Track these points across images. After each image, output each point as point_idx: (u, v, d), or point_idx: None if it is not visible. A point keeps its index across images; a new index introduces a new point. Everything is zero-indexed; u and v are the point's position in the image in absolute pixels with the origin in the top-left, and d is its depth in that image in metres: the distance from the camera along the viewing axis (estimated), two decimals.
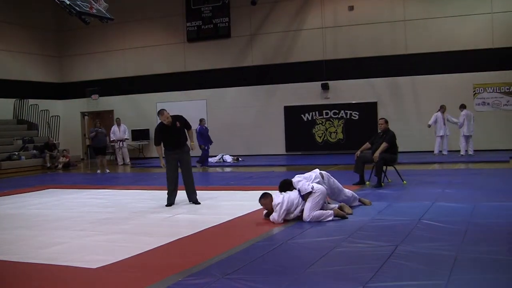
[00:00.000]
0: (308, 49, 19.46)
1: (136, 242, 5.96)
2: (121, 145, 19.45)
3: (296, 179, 6.98)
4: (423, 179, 10.74)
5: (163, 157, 8.71)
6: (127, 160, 19.56)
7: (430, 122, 16.30)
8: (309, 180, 7.00)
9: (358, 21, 18.81)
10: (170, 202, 8.63)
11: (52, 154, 19.34)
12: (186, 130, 8.78)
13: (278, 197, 6.74)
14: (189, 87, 21.20)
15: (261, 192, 7.13)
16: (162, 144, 8.65)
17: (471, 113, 15.91)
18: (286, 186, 6.98)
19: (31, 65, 22.31)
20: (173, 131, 8.56)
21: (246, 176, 13.24)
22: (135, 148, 22.20)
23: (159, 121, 8.75)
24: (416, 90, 18.27)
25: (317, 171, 7.35)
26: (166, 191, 8.74)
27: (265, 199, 6.82)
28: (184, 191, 8.80)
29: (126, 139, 19.65)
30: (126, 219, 7.59)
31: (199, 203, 8.58)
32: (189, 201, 8.67)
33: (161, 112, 8.56)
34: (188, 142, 8.83)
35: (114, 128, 19.44)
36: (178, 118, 8.68)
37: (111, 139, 19.47)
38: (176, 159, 8.62)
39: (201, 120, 16.88)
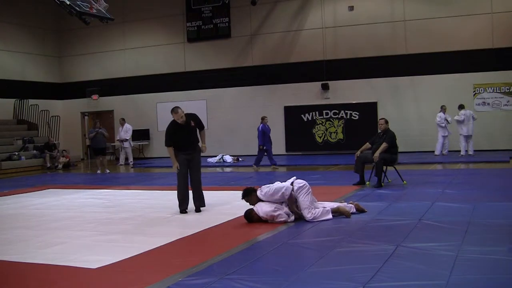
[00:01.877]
0: (308, 49, 19.45)
1: (136, 242, 5.96)
2: (122, 145, 19.38)
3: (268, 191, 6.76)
4: (423, 179, 10.74)
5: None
6: (130, 160, 19.44)
7: (444, 131, 16.29)
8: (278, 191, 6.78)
9: (358, 21, 18.81)
10: (183, 208, 7.88)
11: (52, 154, 19.34)
12: (198, 130, 8.07)
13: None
14: (189, 87, 21.19)
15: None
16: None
17: (470, 113, 15.91)
18: (249, 193, 6.91)
19: (31, 65, 22.31)
20: (187, 131, 7.88)
21: (246, 176, 13.24)
22: (135, 148, 22.19)
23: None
24: (416, 90, 18.28)
25: (288, 185, 6.83)
26: (176, 195, 8.01)
27: (251, 219, 6.79)
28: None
29: (126, 139, 19.44)
30: (126, 219, 7.59)
31: (200, 210, 7.91)
32: (194, 206, 7.97)
33: (174, 110, 7.74)
34: (200, 143, 8.18)
35: (119, 128, 19.40)
36: (192, 117, 7.98)
37: (116, 139, 19.49)
38: (187, 159, 7.88)
39: (264, 118, 15.30)
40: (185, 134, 7.88)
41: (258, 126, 15.24)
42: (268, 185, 6.90)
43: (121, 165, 19.36)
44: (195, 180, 8.00)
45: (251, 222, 6.78)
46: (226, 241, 5.90)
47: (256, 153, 15.33)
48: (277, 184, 6.88)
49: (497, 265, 4.52)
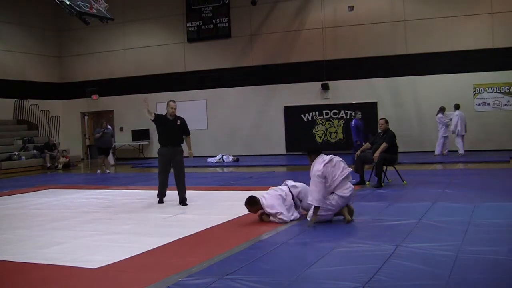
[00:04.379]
0: (308, 49, 19.45)
1: (136, 242, 5.96)
2: None
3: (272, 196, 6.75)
4: (423, 179, 10.74)
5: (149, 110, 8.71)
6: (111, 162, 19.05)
7: (441, 132, 16.30)
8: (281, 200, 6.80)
9: (358, 21, 18.81)
10: (160, 200, 8.90)
11: (52, 154, 19.33)
12: (184, 136, 8.88)
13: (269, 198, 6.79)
14: (189, 87, 21.19)
15: (261, 192, 7.13)
16: (156, 119, 8.75)
17: (463, 114, 15.97)
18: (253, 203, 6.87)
19: (31, 65, 22.30)
20: (172, 126, 8.73)
21: (246, 176, 13.24)
22: (135, 148, 22.21)
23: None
24: (416, 90, 18.27)
25: (285, 188, 6.95)
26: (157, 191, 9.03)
27: (252, 207, 6.84)
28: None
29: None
30: (126, 219, 7.59)
31: (186, 204, 8.61)
32: (179, 202, 8.67)
33: (168, 104, 8.82)
34: (185, 148, 8.90)
35: None
36: (180, 118, 8.88)
37: None
38: (168, 159, 8.70)
39: (357, 113, 14.77)
40: (169, 128, 8.72)
41: (351, 122, 14.46)
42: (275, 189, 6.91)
43: (113, 165, 19.10)
44: (179, 181, 8.70)
45: (250, 207, 6.84)
46: (226, 241, 5.89)
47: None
48: (273, 192, 6.84)
49: (497, 265, 4.51)
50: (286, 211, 6.72)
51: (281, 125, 19.80)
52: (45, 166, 19.00)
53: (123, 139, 22.35)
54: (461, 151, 15.86)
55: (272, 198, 6.76)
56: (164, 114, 8.89)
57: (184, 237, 6.19)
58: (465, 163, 14.29)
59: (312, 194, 6.34)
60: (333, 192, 6.43)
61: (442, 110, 16.32)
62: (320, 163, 6.45)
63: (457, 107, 16.02)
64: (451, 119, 16.22)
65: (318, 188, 6.29)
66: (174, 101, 8.94)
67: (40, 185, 13.07)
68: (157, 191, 9.02)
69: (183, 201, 8.67)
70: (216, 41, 20.84)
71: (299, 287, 4.15)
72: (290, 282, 4.24)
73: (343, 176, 6.47)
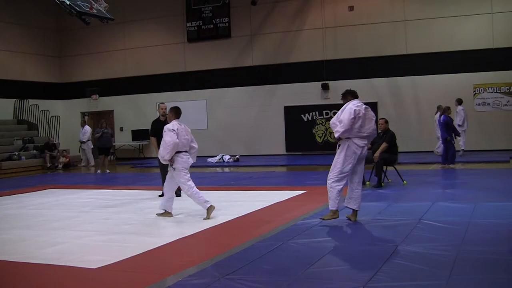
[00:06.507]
0: (308, 49, 19.45)
1: (136, 242, 5.96)
2: (81, 146, 19.18)
3: None
4: (423, 179, 10.74)
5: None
6: (91, 162, 18.96)
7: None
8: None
9: (358, 21, 18.81)
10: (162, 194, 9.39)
11: (52, 154, 19.33)
12: None
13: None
14: (189, 87, 21.19)
15: (262, 192, 7.14)
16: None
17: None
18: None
19: (31, 65, 22.29)
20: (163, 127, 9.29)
21: (246, 176, 13.24)
22: (135, 148, 22.21)
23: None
24: (416, 90, 18.27)
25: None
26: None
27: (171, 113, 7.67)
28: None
29: (83, 141, 18.86)
30: (126, 219, 7.59)
31: (180, 195, 9.19)
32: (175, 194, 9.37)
33: (159, 106, 9.66)
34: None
35: (81, 129, 19.19)
36: None
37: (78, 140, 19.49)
38: None
39: (446, 109, 13.39)
40: (160, 128, 9.16)
41: (439, 117, 13.57)
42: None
43: (83, 166, 19.19)
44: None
45: (170, 112, 7.77)
46: (226, 241, 5.90)
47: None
48: None
49: (497, 265, 4.51)
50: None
51: (281, 125, 19.80)
52: (45, 166, 19.00)
53: (123, 139, 22.35)
54: (462, 147, 15.80)
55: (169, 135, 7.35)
56: (156, 118, 9.65)
57: (184, 237, 6.19)
58: (465, 163, 14.29)
59: (337, 126, 6.61)
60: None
61: (440, 109, 16.28)
62: (354, 104, 6.87)
63: (460, 102, 15.96)
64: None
65: (346, 121, 6.59)
66: (163, 103, 9.75)
67: (40, 185, 13.06)
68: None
69: (177, 193, 9.16)
70: (216, 41, 20.84)
71: (299, 287, 4.15)
72: (290, 282, 4.24)
73: (368, 131, 6.92)
